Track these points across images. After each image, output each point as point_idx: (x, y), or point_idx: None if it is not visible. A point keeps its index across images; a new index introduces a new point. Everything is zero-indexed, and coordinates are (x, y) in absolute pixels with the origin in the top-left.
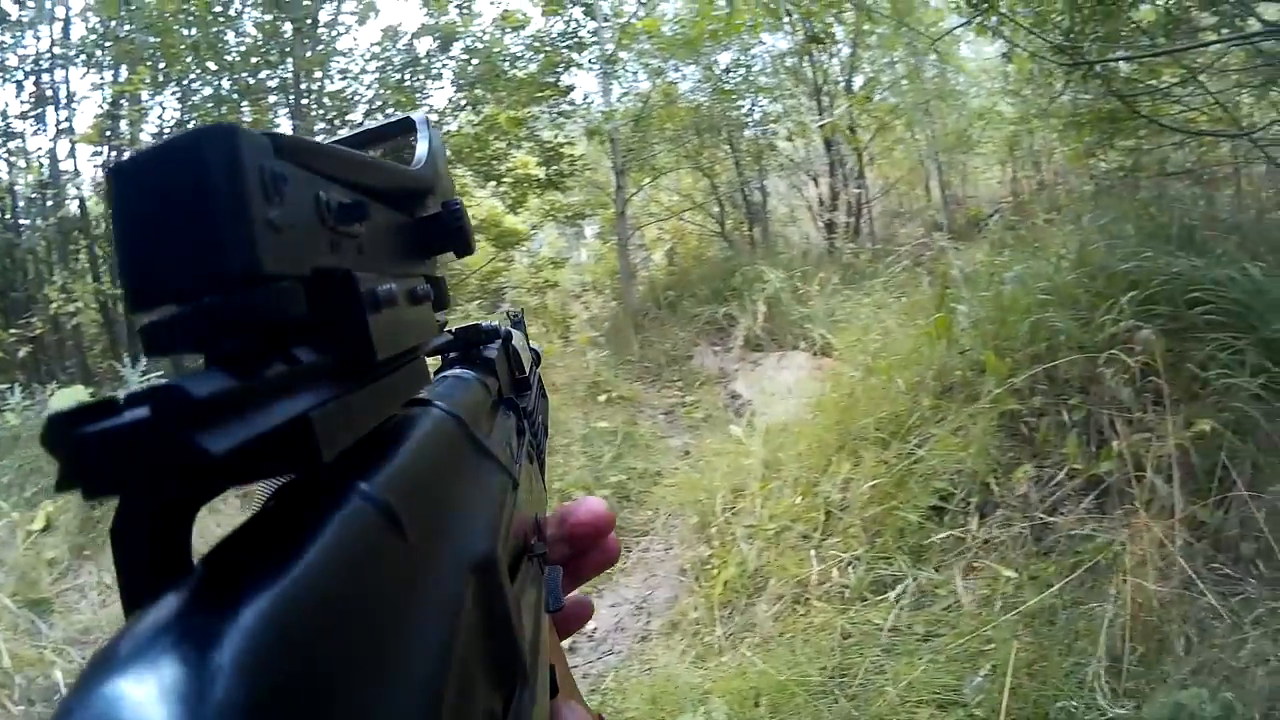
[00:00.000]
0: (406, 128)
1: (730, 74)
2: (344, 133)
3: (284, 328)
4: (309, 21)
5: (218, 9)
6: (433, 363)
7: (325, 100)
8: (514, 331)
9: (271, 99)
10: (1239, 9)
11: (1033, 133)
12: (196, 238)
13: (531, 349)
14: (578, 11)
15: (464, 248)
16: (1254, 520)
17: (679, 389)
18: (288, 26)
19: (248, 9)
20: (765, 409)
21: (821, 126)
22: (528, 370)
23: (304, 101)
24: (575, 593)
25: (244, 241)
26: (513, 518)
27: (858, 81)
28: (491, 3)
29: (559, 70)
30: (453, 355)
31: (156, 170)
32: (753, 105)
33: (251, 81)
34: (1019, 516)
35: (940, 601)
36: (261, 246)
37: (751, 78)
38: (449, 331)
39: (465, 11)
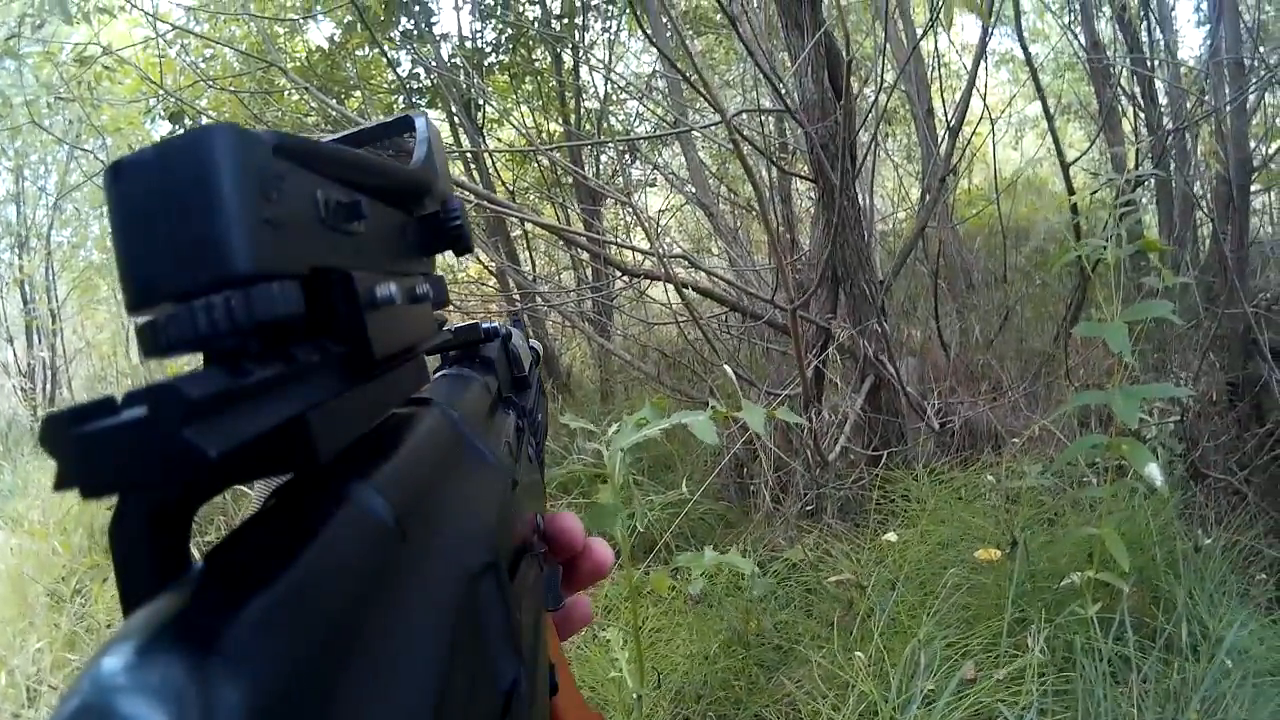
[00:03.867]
0: (405, 127)
1: None
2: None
3: (282, 327)
4: None
5: None
6: (432, 362)
7: None
8: (513, 331)
9: None
10: None
11: None
12: (195, 236)
13: (531, 348)
14: None
15: (462, 246)
16: None
17: None
18: None
19: None
20: None
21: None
22: (527, 370)
23: None
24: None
25: (242, 240)
26: (512, 517)
27: (65, 234)
28: None
29: None
30: (452, 354)
31: (155, 169)
32: None
33: None
34: None
35: None
36: (260, 245)
37: None
38: (448, 331)
39: None
